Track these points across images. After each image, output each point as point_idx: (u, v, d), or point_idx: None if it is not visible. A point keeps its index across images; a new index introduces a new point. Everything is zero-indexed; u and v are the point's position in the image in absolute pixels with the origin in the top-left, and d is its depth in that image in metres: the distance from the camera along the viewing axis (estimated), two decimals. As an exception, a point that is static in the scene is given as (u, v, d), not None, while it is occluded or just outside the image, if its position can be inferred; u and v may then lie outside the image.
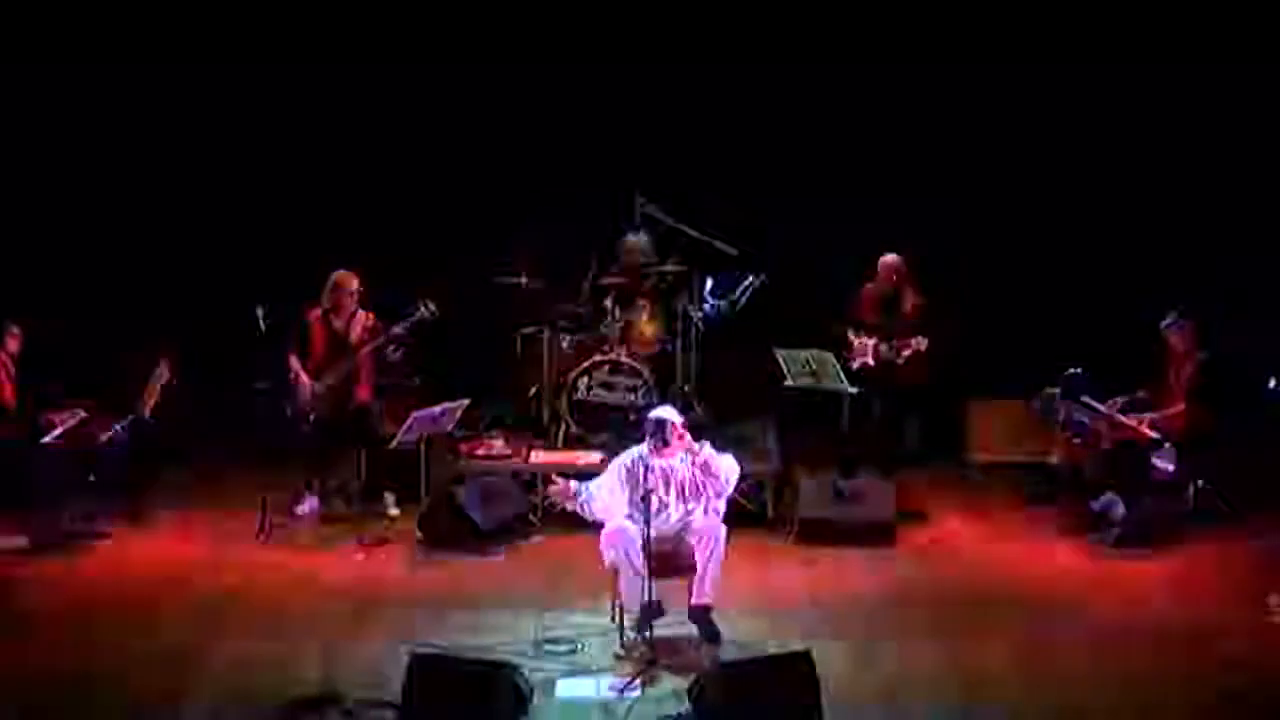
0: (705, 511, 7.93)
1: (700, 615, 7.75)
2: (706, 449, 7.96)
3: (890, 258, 10.53)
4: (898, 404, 10.58)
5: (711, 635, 7.74)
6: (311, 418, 9.97)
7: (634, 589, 7.68)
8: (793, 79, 11.71)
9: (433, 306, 9.98)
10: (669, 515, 7.84)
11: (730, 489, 8.08)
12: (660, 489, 7.80)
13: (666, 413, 8.01)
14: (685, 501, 7.90)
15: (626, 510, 7.85)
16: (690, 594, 7.79)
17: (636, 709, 7.07)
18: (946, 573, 9.09)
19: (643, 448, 7.93)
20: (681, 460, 7.94)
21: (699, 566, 7.74)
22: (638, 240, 11.08)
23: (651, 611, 7.64)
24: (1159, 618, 8.28)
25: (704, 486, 7.92)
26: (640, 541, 7.64)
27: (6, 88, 11.61)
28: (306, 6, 11.79)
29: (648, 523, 7.56)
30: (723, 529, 7.82)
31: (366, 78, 11.79)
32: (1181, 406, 9.77)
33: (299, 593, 8.65)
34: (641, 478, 7.69)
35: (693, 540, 7.81)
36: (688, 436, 7.96)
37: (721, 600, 7.91)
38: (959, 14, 11.59)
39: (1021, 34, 11.54)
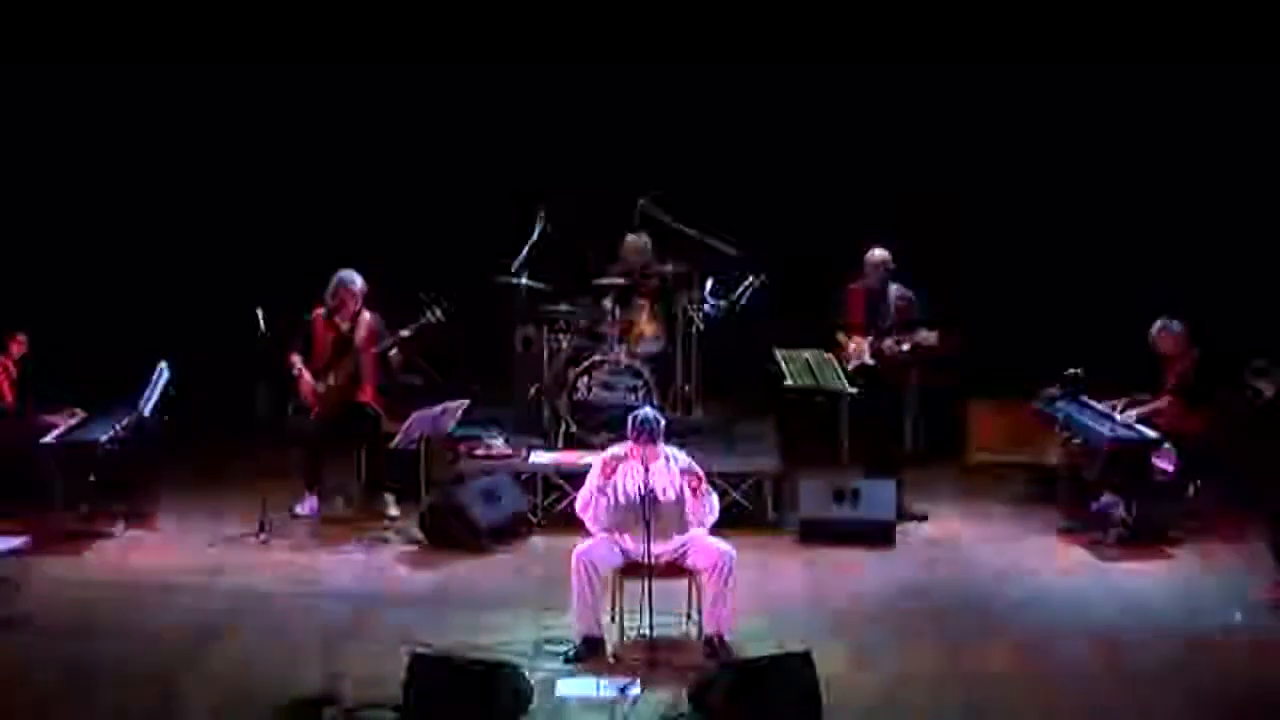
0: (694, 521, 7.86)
1: (714, 645, 7.64)
2: (703, 482, 7.86)
3: (878, 252, 10.32)
4: (898, 404, 10.54)
5: (725, 659, 7.54)
6: (313, 417, 9.97)
7: (584, 617, 7.63)
8: (792, 79, 11.73)
9: (439, 311, 9.98)
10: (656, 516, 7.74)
11: (706, 524, 7.86)
12: (649, 484, 7.70)
13: (652, 413, 7.93)
14: (670, 506, 7.81)
15: (610, 517, 7.80)
16: (701, 621, 7.72)
17: (636, 709, 7.07)
18: (946, 573, 9.10)
19: (627, 445, 7.86)
20: (670, 464, 7.87)
21: (711, 595, 7.63)
22: (638, 240, 11.09)
23: (591, 646, 7.61)
24: (1159, 618, 8.29)
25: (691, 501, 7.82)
26: (608, 567, 7.66)
27: (6, 88, 11.62)
28: (306, 6, 11.81)
29: (648, 523, 7.54)
30: (733, 555, 7.68)
31: (366, 78, 11.81)
32: (1169, 400, 9.78)
33: (299, 593, 8.65)
34: (642, 477, 7.66)
35: (700, 564, 7.71)
36: (693, 468, 7.88)
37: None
38: (959, 14, 11.61)
39: (1021, 34, 11.57)
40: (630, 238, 11.09)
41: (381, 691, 7.02)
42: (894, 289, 10.33)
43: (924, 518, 10.07)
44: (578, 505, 7.97)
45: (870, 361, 10.28)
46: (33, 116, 11.74)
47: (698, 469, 7.88)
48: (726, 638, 7.63)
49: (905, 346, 10.12)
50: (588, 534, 7.91)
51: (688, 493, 7.77)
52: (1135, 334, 10.16)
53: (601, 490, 7.79)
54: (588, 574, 7.61)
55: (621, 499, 7.74)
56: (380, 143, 11.94)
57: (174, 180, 11.95)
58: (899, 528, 9.74)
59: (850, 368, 10.27)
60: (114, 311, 11.54)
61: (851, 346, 10.32)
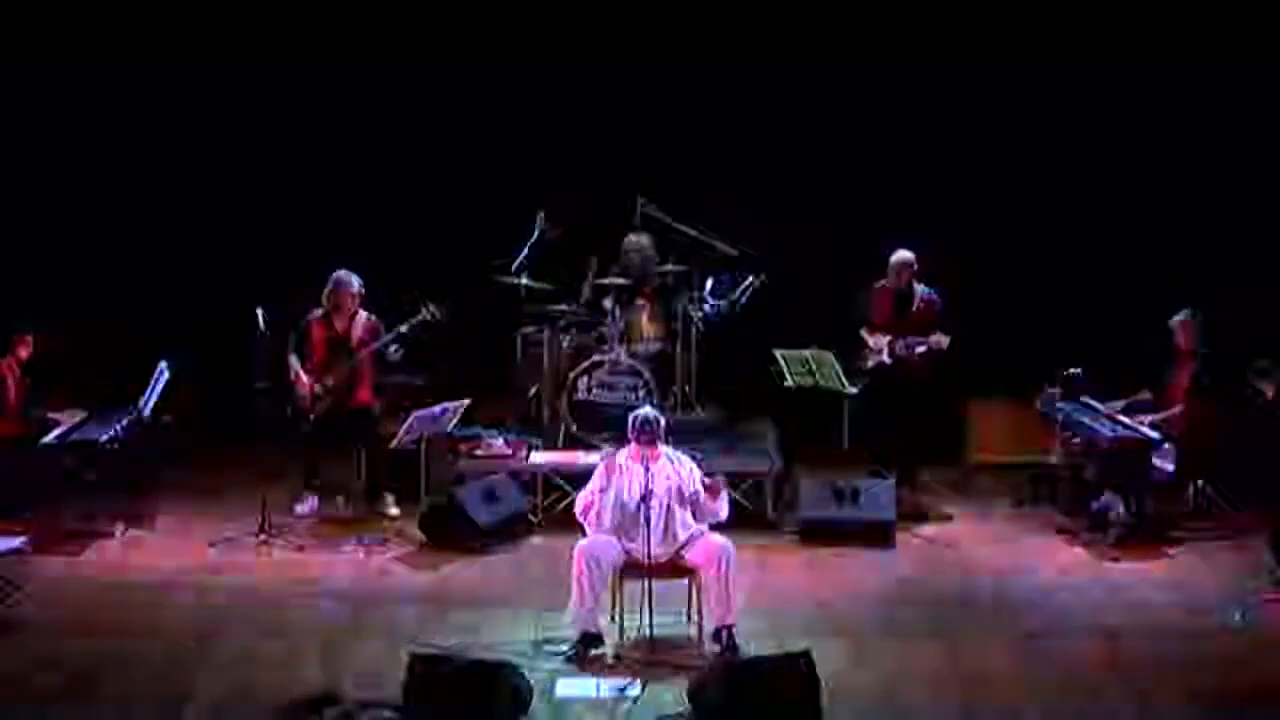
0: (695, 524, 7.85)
1: (722, 637, 7.64)
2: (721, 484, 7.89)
3: (903, 254, 10.36)
4: (902, 403, 10.51)
5: (733, 653, 7.60)
6: (311, 418, 9.97)
7: (585, 613, 7.63)
8: (793, 79, 11.72)
9: (434, 308, 9.98)
10: (658, 516, 7.74)
11: (707, 521, 7.89)
12: (650, 484, 7.69)
13: (653, 413, 7.93)
14: (672, 506, 7.80)
15: (611, 518, 7.78)
16: (706, 618, 7.73)
17: (636, 709, 7.07)
18: (946, 573, 9.10)
19: (629, 448, 7.87)
20: (672, 464, 7.88)
21: (713, 591, 7.64)
22: (638, 240, 11.09)
23: (590, 642, 7.60)
24: (1159, 618, 8.29)
25: (693, 502, 7.82)
26: (610, 564, 7.66)
27: (7, 88, 11.61)
28: (306, 6, 11.80)
29: (648, 522, 7.54)
30: (732, 548, 7.70)
31: (366, 78, 11.80)
32: (1181, 407, 9.80)
33: (299, 593, 8.65)
34: (642, 477, 7.65)
35: (700, 560, 7.71)
36: (691, 466, 7.90)
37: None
38: (959, 14, 11.60)
39: (1021, 34, 11.56)
40: (630, 238, 11.10)
41: (381, 691, 7.02)
42: (919, 290, 10.34)
43: (924, 517, 10.07)
44: (577, 508, 7.97)
45: (887, 361, 10.29)
46: (33, 117, 11.73)
47: (714, 477, 7.90)
48: (734, 630, 7.63)
49: (920, 349, 10.13)
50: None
51: (704, 495, 7.79)
52: (1135, 334, 10.17)
53: (603, 492, 7.80)
54: (590, 569, 7.60)
55: (624, 501, 7.73)
56: (380, 143, 11.93)
57: (174, 180, 11.94)
58: (912, 527, 9.79)
59: (870, 365, 10.30)
60: (115, 311, 11.52)
61: (871, 343, 10.34)
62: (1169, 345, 10.04)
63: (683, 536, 7.77)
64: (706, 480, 7.88)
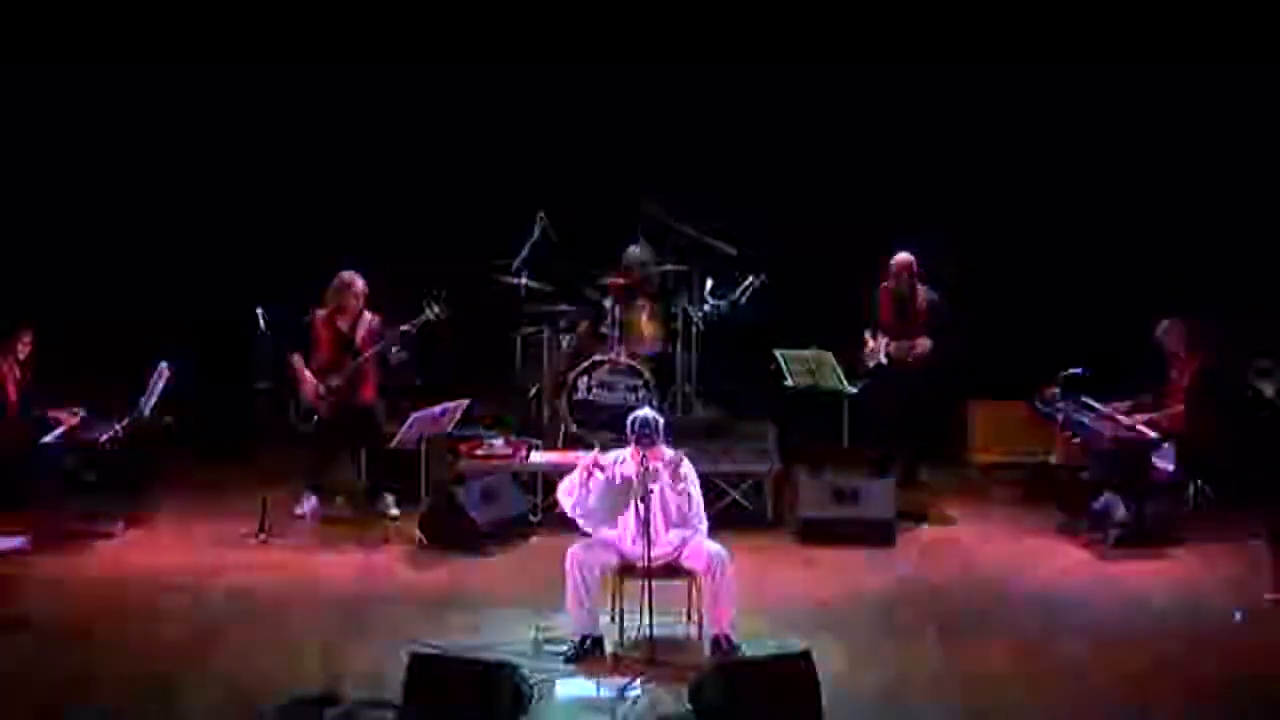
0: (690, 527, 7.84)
1: (721, 646, 7.62)
2: (690, 478, 7.86)
3: (903, 256, 10.39)
4: (902, 404, 10.52)
5: (733, 652, 7.59)
6: (315, 418, 9.97)
7: (580, 616, 7.63)
8: (792, 79, 11.72)
9: (438, 308, 9.98)
10: (655, 518, 7.72)
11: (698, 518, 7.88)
12: (651, 485, 7.68)
13: (652, 413, 7.91)
14: (669, 509, 7.80)
15: (607, 516, 7.78)
16: (704, 624, 7.72)
17: (636, 709, 7.07)
18: (946, 573, 9.10)
19: (628, 450, 7.86)
20: (670, 469, 7.85)
21: (709, 597, 7.63)
22: (638, 253, 11.06)
23: (589, 647, 7.60)
24: (1159, 618, 8.29)
25: (683, 505, 7.81)
26: (602, 566, 7.65)
27: (7, 88, 11.62)
28: (306, 6, 11.81)
29: (647, 523, 7.53)
30: (725, 556, 7.67)
31: (366, 78, 11.80)
32: (1181, 407, 9.80)
33: (299, 593, 8.65)
34: (638, 478, 7.64)
35: (696, 565, 7.71)
36: (676, 460, 7.89)
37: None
38: (959, 14, 11.60)
39: (1021, 34, 11.56)
40: (631, 251, 11.07)
41: (381, 691, 7.02)
42: (921, 291, 10.35)
43: (924, 517, 10.07)
44: (560, 490, 7.90)
45: (884, 361, 10.31)
46: (33, 116, 11.73)
47: (683, 466, 7.86)
48: (732, 637, 7.63)
49: (917, 351, 10.15)
50: (585, 534, 7.91)
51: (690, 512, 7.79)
52: (1136, 334, 10.16)
53: (594, 468, 7.76)
54: (581, 573, 7.61)
55: (616, 483, 7.70)
56: (381, 143, 11.93)
57: (175, 180, 11.94)
58: (912, 526, 9.80)
59: (870, 366, 10.31)
60: (115, 311, 11.52)
61: (870, 345, 10.36)
62: (1161, 353, 10.03)
63: (677, 539, 7.76)
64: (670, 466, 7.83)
